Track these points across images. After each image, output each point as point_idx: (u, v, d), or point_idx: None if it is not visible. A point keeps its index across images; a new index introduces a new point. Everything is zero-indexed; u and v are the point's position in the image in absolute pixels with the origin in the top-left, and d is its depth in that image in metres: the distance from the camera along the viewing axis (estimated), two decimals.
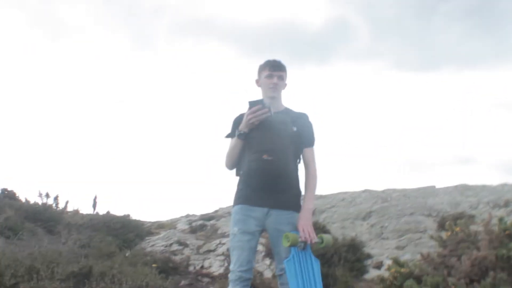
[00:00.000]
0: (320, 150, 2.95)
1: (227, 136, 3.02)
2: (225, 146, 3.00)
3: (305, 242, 2.69)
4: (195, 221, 12.37)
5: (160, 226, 11.78)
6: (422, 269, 4.48)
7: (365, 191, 21.81)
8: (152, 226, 11.32)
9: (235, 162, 2.95)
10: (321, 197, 19.69)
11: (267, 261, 7.28)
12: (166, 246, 8.12)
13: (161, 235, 8.80)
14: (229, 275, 2.82)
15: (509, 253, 3.79)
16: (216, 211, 14.93)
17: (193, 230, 11.03)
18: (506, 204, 14.65)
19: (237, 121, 2.95)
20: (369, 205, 18.64)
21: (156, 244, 8.25)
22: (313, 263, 2.71)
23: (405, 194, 20.16)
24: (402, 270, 4.39)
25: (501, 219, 4.33)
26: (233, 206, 2.89)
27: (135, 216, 11.22)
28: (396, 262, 4.84)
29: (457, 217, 9.10)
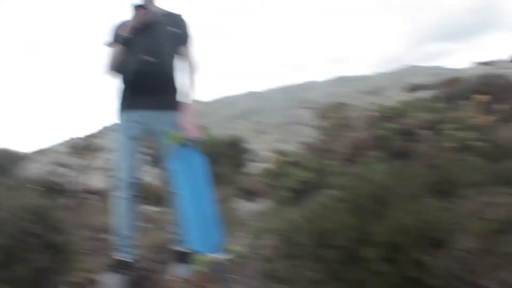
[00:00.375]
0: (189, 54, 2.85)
1: (108, 43, 2.82)
2: (105, 54, 2.81)
3: (190, 139, 2.60)
4: (77, 142, 11.81)
5: (42, 152, 11.05)
6: (305, 156, 4.71)
7: (248, 93, 22.25)
8: (33, 154, 10.55)
9: (117, 68, 2.80)
10: (205, 103, 19.72)
11: (154, 169, 7.16)
12: (48, 170, 7.63)
13: (42, 160, 8.22)
14: (117, 183, 2.75)
15: (386, 133, 4.09)
16: (100, 131, 14.36)
17: (76, 151, 10.56)
18: (379, 91, 15.98)
19: (117, 27, 2.83)
20: (250, 104, 19.14)
21: (36, 168, 7.72)
22: (201, 162, 2.64)
23: (284, 91, 20.95)
24: (287, 159, 4.57)
25: (381, 105, 4.63)
26: (117, 113, 2.80)
27: (14, 148, 10.31)
28: (280, 153, 5.03)
29: (334, 107, 9.67)
